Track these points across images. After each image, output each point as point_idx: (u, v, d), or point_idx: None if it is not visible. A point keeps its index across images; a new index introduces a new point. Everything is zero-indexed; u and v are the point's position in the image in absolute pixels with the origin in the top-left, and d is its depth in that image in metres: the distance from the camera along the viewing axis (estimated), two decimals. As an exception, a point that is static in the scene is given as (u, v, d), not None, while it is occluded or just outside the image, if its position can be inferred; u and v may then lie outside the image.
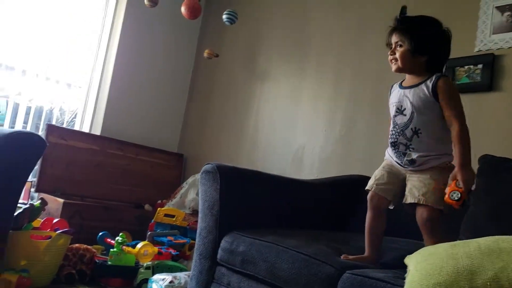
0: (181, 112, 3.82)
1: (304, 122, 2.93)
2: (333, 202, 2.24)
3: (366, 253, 1.55)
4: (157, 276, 2.12)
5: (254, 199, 1.93)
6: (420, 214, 1.45)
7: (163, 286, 2.02)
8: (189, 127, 3.77)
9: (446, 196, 1.38)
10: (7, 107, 3.16)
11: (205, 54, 3.34)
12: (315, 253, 1.52)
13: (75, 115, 3.51)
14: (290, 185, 2.15)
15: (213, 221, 1.82)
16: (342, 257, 1.51)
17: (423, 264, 1.12)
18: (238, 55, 3.51)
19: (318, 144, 2.81)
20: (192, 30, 3.80)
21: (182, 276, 2.11)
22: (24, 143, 1.96)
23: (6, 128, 2.79)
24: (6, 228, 1.97)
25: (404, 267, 1.24)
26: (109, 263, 2.33)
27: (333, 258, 1.49)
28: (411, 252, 1.26)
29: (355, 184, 2.21)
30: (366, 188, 1.59)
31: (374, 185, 1.57)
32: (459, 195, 1.36)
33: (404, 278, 1.18)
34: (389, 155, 1.60)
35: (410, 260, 1.22)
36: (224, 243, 1.75)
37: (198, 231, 1.88)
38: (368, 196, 1.58)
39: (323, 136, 2.80)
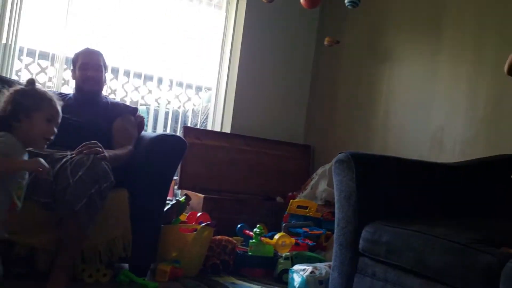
0: (304, 103, 3.82)
1: (442, 102, 2.72)
2: (481, 186, 2.04)
3: None
4: (297, 267, 2.14)
5: (392, 187, 1.85)
6: None
7: (304, 276, 2.04)
8: (314, 117, 3.76)
9: None
10: (148, 114, 3.47)
11: (326, 42, 3.28)
12: (469, 242, 1.40)
13: (207, 115, 3.72)
14: (431, 170, 2.02)
15: (351, 211, 1.78)
16: (502, 249, 1.37)
17: None
18: (361, 39, 3.39)
19: (460, 124, 2.59)
20: (311, 20, 3.77)
21: (322, 266, 2.11)
22: (169, 144, 2.12)
23: (151, 132, 3.06)
24: (160, 223, 2.16)
25: None
26: (250, 253, 2.42)
27: (490, 247, 1.36)
28: None
29: (507, 165, 1.99)
30: None
31: None
32: None
33: None
34: None
35: None
36: (365, 233, 1.70)
37: (336, 221, 1.85)
38: None
39: (464, 115, 2.58)
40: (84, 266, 1.93)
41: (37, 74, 3.12)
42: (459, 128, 2.60)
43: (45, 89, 1.66)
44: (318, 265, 2.14)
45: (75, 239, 1.77)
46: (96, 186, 1.76)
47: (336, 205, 1.86)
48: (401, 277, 1.56)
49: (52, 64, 3.12)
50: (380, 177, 1.84)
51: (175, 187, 3.15)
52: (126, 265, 2.15)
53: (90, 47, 2.39)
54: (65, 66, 3.11)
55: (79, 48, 2.36)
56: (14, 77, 2.84)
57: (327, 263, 2.17)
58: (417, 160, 2.07)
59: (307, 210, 2.78)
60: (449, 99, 2.69)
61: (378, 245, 1.63)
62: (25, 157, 1.48)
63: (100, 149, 1.86)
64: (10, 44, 2.89)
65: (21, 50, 2.99)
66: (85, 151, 1.81)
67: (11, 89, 1.49)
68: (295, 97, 3.78)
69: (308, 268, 2.09)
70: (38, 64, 3.13)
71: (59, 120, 1.54)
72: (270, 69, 3.66)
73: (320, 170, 3.20)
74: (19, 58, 2.99)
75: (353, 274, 1.74)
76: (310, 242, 2.53)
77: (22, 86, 1.53)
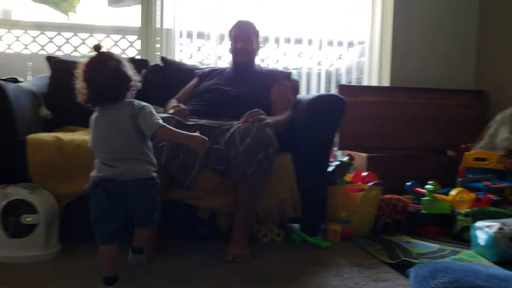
0: (472, 44, 3.39)
1: None
2: None
3: None
4: (481, 223, 1.95)
5: None
6: None
7: (491, 233, 1.84)
8: (485, 58, 3.32)
9: None
10: (300, 78, 3.47)
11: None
12: None
13: (361, 71, 3.57)
14: None
15: (547, 157, 1.53)
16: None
17: None
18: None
19: None
20: None
21: (512, 222, 1.88)
22: (327, 104, 2.09)
23: (307, 95, 3.05)
24: (325, 183, 2.16)
25: None
26: (423, 211, 2.29)
27: None
28: None
29: None
30: None
31: None
32: None
33: None
34: None
35: None
36: None
37: (527, 171, 1.62)
38: None
39: None
40: (259, 227, 2.05)
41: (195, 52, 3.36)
42: None
43: None
44: (507, 220, 1.91)
45: (249, 202, 1.88)
46: (263, 152, 1.83)
47: (525, 153, 1.62)
48: None
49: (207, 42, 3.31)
50: None
51: (335, 148, 3.11)
52: (298, 226, 2.21)
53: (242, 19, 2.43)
54: (218, 43, 3.27)
55: (231, 23, 2.42)
56: (177, 59, 3.10)
57: (517, 218, 1.93)
58: None
59: (486, 162, 2.52)
60: None
61: None
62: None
63: (263, 116, 1.92)
64: (172, 29, 3.17)
65: (180, 33, 3.24)
66: (250, 120, 1.90)
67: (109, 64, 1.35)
68: (461, 39, 3.39)
69: (495, 224, 1.88)
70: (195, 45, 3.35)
71: None
72: (428, 12, 3.34)
73: (498, 117, 2.86)
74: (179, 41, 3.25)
75: (555, 229, 1.50)
76: (493, 197, 2.28)
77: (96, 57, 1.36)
